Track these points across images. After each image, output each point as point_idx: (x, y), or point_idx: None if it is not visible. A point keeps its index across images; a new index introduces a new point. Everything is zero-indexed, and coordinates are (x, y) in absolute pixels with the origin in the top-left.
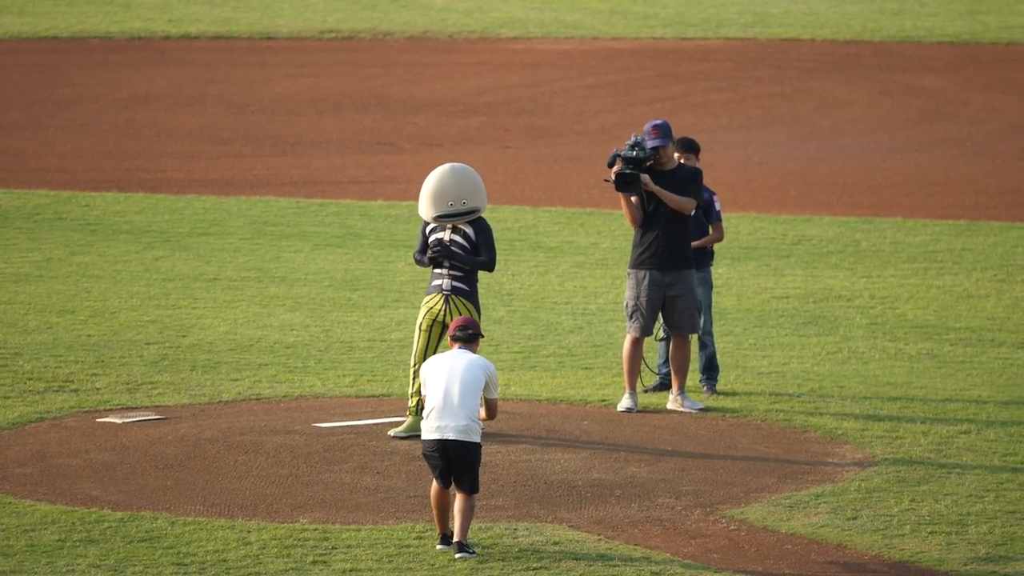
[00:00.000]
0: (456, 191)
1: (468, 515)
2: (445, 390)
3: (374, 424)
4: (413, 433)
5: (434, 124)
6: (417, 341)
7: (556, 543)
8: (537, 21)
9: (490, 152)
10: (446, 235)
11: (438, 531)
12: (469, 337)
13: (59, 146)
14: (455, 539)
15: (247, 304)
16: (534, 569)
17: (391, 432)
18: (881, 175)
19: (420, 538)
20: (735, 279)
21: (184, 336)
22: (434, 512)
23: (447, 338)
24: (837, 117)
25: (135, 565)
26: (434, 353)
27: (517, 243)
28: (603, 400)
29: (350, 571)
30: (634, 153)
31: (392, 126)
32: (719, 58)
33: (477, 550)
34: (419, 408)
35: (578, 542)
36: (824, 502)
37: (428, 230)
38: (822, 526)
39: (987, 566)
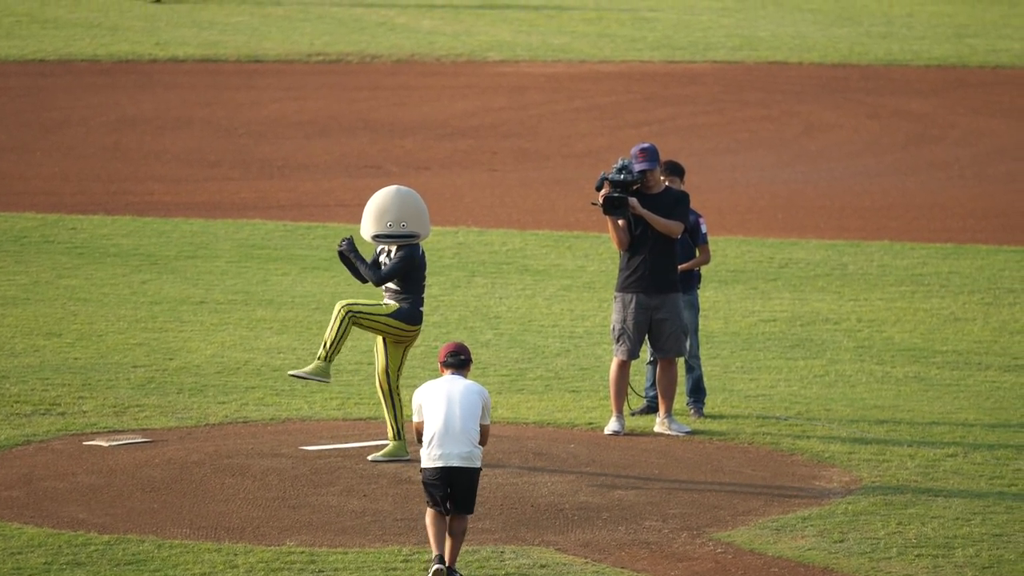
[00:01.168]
0: (397, 213)
1: (461, 539)
2: (446, 416)
3: (361, 447)
4: (394, 458)
5: (421, 147)
6: (378, 356)
7: (543, 566)
8: (524, 44)
9: (477, 175)
10: (382, 259)
11: (434, 552)
12: (461, 363)
13: (46, 169)
14: (447, 564)
15: (234, 327)
16: None
17: (370, 457)
18: (868, 198)
19: (407, 561)
20: (722, 302)
21: (171, 359)
22: (431, 534)
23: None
24: (824, 140)
25: None
26: (398, 370)
27: (504, 266)
28: (590, 423)
29: None
30: (621, 176)
31: (379, 149)
32: (706, 81)
33: (464, 574)
34: (399, 433)
35: (565, 565)
36: (811, 525)
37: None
38: (809, 549)
39: None
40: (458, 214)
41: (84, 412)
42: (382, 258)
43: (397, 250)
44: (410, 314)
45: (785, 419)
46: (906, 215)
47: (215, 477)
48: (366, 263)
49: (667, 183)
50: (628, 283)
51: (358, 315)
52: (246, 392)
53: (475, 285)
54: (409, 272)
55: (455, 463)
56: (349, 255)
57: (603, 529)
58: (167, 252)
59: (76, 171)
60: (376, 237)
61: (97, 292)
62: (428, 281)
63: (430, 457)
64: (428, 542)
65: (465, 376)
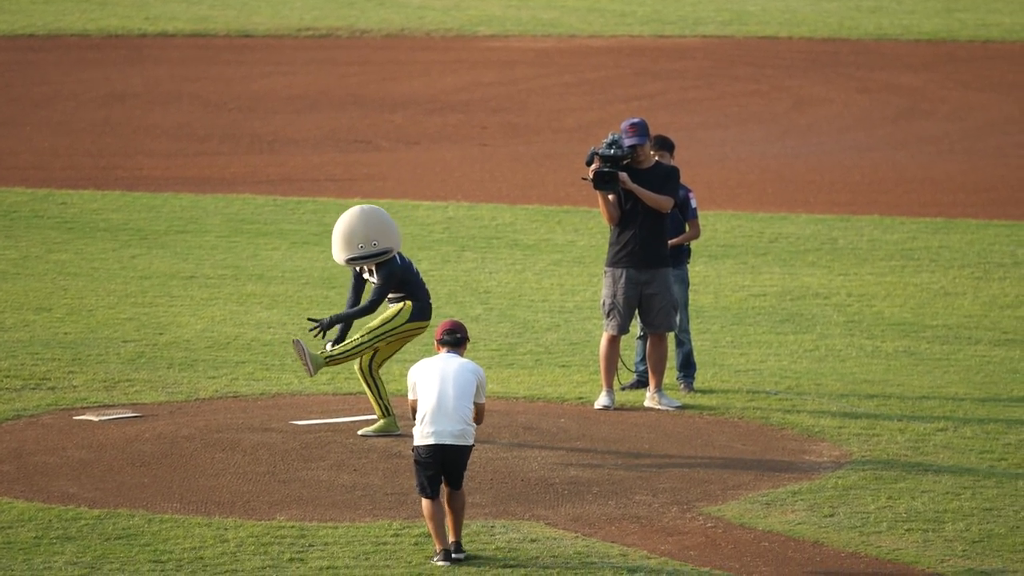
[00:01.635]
0: (365, 233)
1: (462, 513)
2: (439, 395)
3: (351, 422)
4: (385, 433)
5: (411, 122)
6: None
7: (533, 540)
8: (514, 19)
9: (467, 150)
10: (365, 276)
11: (437, 547)
12: (457, 341)
13: (36, 143)
14: (452, 539)
15: (224, 302)
16: (510, 567)
17: (361, 431)
18: (858, 173)
19: (397, 535)
20: (712, 277)
21: (161, 334)
22: (431, 528)
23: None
24: (814, 115)
25: (112, 562)
26: (372, 358)
27: (494, 241)
28: (580, 398)
29: (327, 568)
30: (612, 151)
31: (369, 124)
32: (696, 56)
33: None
34: (387, 409)
35: (555, 539)
36: (801, 499)
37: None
38: (799, 523)
39: (964, 563)
40: (448, 189)
41: (74, 387)
42: (365, 275)
43: (378, 268)
44: (422, 310)
45: (775, 393)
46: (896, 189)
47: (205, 452)
48: (354, 307)
49: (657, 158)
50: (618, 258)
51: (375, 341)
52: (236, 367)
53: (465, 260)
54: (398, 283)
55: (447, 441)
56: (336, 324)
57: (593, 503)
58: (157, 227)
59: (66, 146)
60: (350, 260)
61: (87, 267)
62: (418, 256)
63: (423, 435)
64: (428, 528)
65: (461, 354)
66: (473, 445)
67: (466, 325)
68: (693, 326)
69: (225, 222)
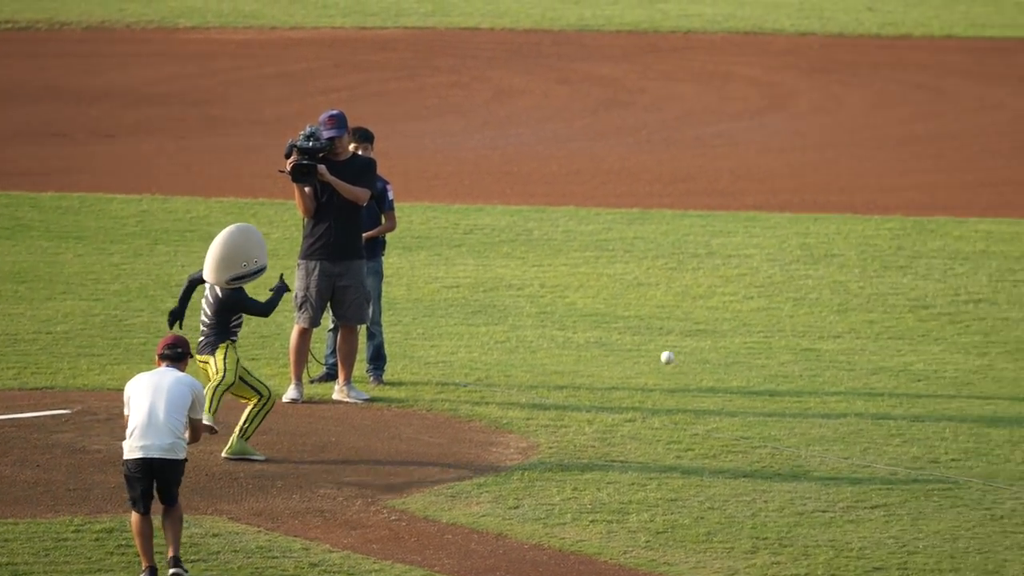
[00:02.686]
0: (248, 251)
1: (179, 526)
2: (150, 408)
3: (36, 417)
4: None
5: (108, 115)
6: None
7: (215, 535)
8: (215, 11)
9: (163, 142)
10: (207, 293)
11: (144, 564)
12: (178, 356)
13: None
14: (171, 554)
15: None
16: (192, 561)
17: (224, 454)
18: (556, 164)
19: (78, 531)
20: (406, 268)
21: None
22: (138, 543)
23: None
24: (514, 106)
25: None
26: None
27: (188, 234)
28: None
29: (6, 565)
30: (310, 144)
31: (66, 117)
32: (398, 47)
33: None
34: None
35: (237, 534)
36: (486, 491)
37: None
38: (483, 515)
39: (647, 554)
40: (143, 182)
41: None
42: (207, 293)
43: (232, 285)
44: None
45: (465, 385)
46: (593, 180)
47: None
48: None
49: (359, 150)
50: (312, 250)
51: (230, 388)
52: None
53: (157, 253)
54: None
55: (156, 455)
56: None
57: (277, 497)
58: None
59: None
60: (233, 280)
61: None
62: (110, 250)
63: (131, 448)
64: (136, 545)
65: (182, 369)
66: (185, 459)
67: (156, 319)
68: (385, 318)
69: None
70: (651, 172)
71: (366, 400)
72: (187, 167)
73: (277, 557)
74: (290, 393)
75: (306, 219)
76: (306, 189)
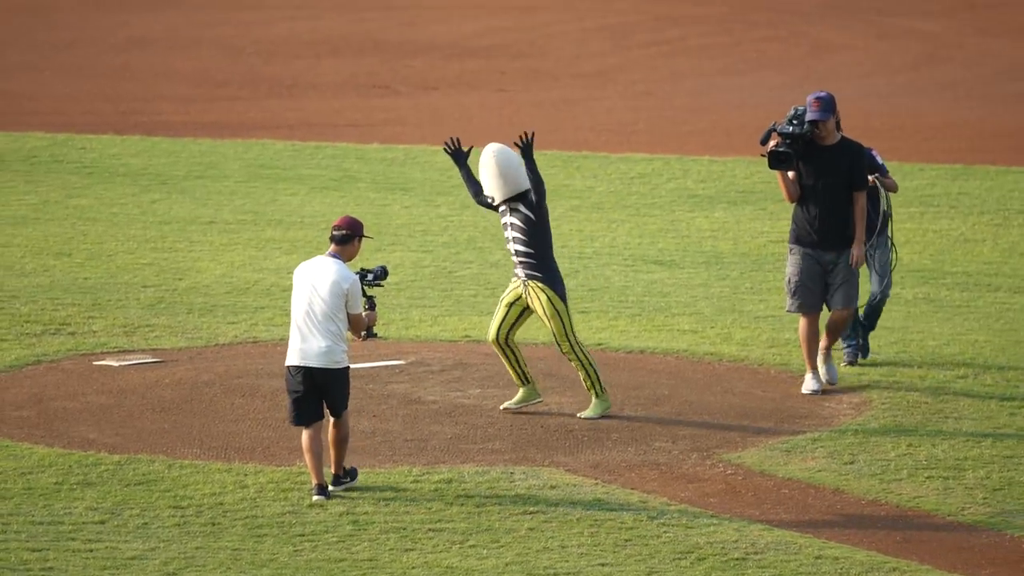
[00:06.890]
0: (515, 162)
1: (342, 446)
2: (308, 307)
3: (372, 368)
4: (525, 404)
5: (430, 67)
6: (496, 313)
7: (553, 487)
8: None
9: (486, 96)
10: (507, 219)
11: (314, 481)
12: (344, 238)
13: (56, 88)
14: (332, 471)
15: (243, 247)
16: (531, 513)
17: (503, 406)
18: (878, 119)
19: (417, 482)
20: (731, 223)
21: (180, 279)
22: (308, 460)
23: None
24: (832, 61)
25: (132, 508)
26: (509, 329)
27: None
28: (599, 344)
29: (346, 514)
30: (790, 128)
31: (389, 69)
32: (714, 2)
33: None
34: (527, 376)
35: (575, 486)
36: (821, 447)
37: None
38: (819, 471)
39: (984, 510)
40: (467, 134)
41: (94, 332)
42: (504, 220)
43: (521, 207)
44: (561, 282)
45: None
46: (915, 136)
47: (225, 397)
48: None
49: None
50: (799, 236)
51: (574, 337)
52: (256, 312)
53: None
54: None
55: (313, 363)
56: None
57: (613, 450)
58: (176, 172)
59: (85, 91)
60: (519, 193)
61: (107, 212)
62: (438, 201)
63: (291, 352)
64: (329, 460)
65: (348, 253)
66: (347, 367)
67: (486, 272)
68: (712, 272)
69: (244, 167)
70: (972, 128)
71: (826, 385)
72: (509, 120)
73: (615, 510)
74: (809, 384)
75: (792, 204)
76: (789, 174)
